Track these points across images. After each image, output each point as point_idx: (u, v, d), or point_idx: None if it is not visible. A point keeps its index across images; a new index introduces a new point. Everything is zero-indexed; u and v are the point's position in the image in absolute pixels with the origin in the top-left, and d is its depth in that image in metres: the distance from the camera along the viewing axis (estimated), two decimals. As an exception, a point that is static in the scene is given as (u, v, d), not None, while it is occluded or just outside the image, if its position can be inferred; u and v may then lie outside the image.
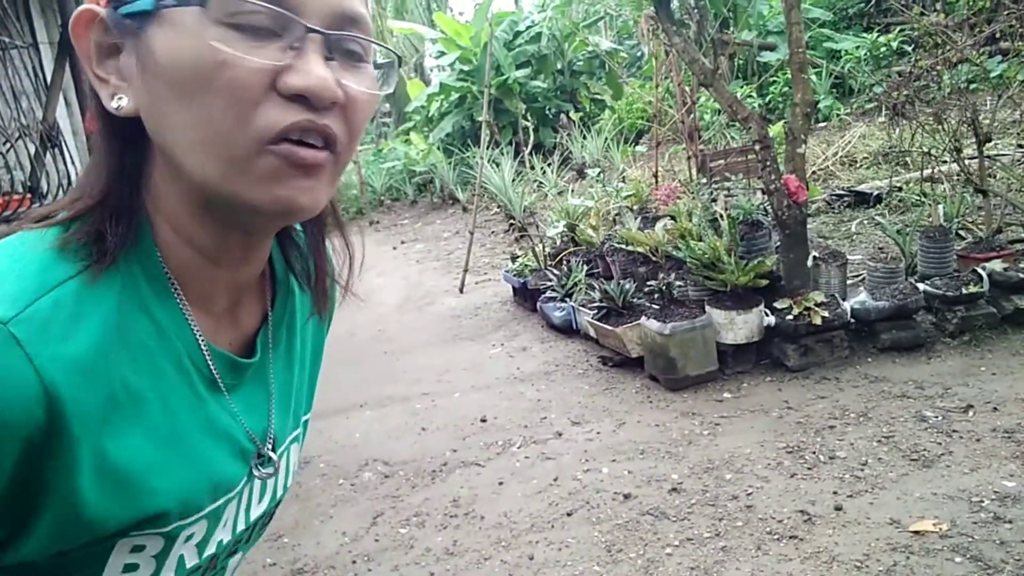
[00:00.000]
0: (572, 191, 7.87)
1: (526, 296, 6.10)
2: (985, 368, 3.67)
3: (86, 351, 0.54)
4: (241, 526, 0.75)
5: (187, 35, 0.53)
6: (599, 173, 8.27)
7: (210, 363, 0.65)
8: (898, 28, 9.60)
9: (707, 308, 4.11)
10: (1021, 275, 4.01)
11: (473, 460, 3.57)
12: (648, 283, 4.73)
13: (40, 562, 0.57)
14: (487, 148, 8.35)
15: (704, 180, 5.44)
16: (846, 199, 6.89)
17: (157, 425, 0.59)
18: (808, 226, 4.34)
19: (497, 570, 2.65)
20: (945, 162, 5.55)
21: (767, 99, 10.36)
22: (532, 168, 9.51)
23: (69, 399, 0.53)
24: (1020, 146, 6.56)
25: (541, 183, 9.11)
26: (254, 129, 0.55)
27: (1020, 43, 4.81)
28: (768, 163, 4.07)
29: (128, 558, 0.60)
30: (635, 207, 6.07)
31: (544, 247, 6.36)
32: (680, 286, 4.45)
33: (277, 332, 0.76)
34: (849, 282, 4.51)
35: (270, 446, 0.75)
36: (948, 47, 4.63)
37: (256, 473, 0.74)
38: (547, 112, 13.13)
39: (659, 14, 4.45)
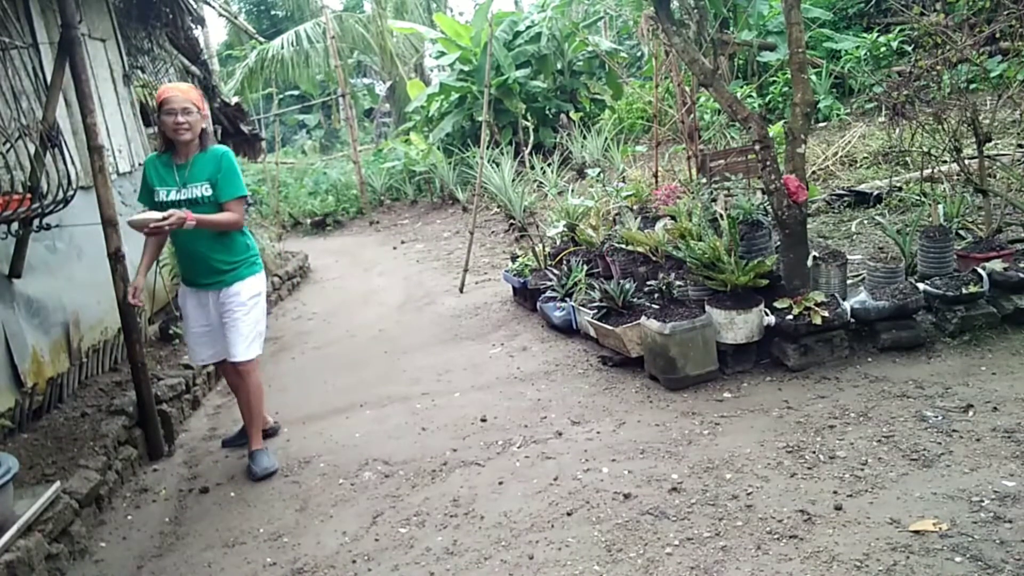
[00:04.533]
0: (572, 191, 7.87)
1: (526, 296, 6.10)
2: (985, 368, 3.67)
3: (150, 160, 3.71)
4: (175, 197, 3.62)
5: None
6: (599, 173, 8.27)
7: (174, 163, 3.67)
8: (898, 28, 9.60)
9: (707, 308, 4.11)
10: (1021, 275, 4.01)
11: (473, 460, 3.57)
12: (648, 283, 4.73)
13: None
14: (487, 148, 8.35)
15: (704, 180, 5.44)
16: (846, 199, 6.89)
17: (159, 169, 3.67)
18: (808, 226, 4.34)
19: (497, 570, 2.65)
20: (945, 162, 5.55)
21: (767, 99, 10.36)
22: (532, 168, 9.51)
23: (148, 164, 3.71)
24: (1020, 146, 6.56)
25: (541, 183, 9.11)
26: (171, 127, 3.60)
27: (1020, 43, 4.80)
28: (768, 163, 4.07)
29: (156, 195, 3.66)
30: (635, 207, 6.07)
31: (544, 247, 6.36)
32: (680, 286, 4.45)
33: (193, 160, 3.66)
34: (849, 282, 4.51)
35: (183, 182, 3.63)
36: (948, 47, 4.63)
37: (179, 185, 3.64)
38: (547, 112, 13.13)
39: (659, 14, 4.45)
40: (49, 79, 4.26)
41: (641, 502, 2.93)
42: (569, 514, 2.93)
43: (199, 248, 3.66)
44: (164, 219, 3.42)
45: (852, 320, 4.04)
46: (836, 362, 3.97)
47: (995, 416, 3.17)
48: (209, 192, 3.60)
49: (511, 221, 9.02)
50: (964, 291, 4.01)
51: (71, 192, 4.04)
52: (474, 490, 3.27)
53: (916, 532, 2.46)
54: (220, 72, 18.78)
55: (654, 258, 4.92)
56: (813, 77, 9.48)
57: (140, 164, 6.54)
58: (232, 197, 3.66)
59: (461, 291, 7.12)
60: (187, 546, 3.18)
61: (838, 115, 9.56)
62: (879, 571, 2.30)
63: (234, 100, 11.33)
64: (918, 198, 5.96)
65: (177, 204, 3.56)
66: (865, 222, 6.27)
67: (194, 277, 3.78)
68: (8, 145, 3.79)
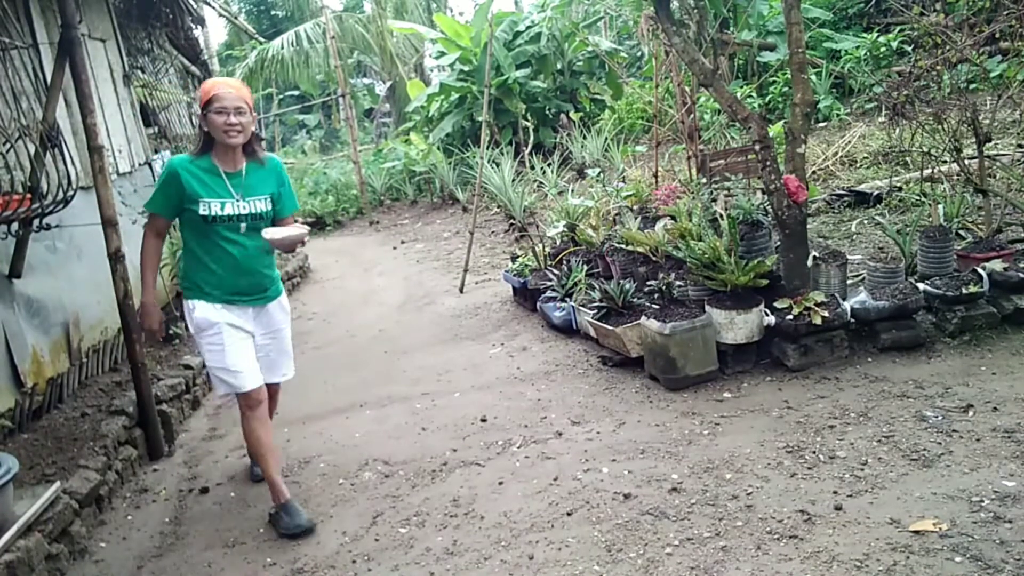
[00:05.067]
0: (572, 191, 7.87)
1: (526, 296, 6.10)
2: (985, 368, 3.67)
3: (183, 165, 3.12)
4: (232, 211, 3.14)
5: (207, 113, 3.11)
6: (599, 173, 8.26)
7: (221, 172, 3.16)
8: (898, 28, 9.60)
9: (707, 308, 4.11)
10: (1021, 275, 4.01)
11: (473, 460, 3.57)
12: (648, 283, 4.73)
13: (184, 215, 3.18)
14: (487, 148, 8.35)
15: (704, 180, 5.44)
16: (846, 199, 6.89)
17: (201, 177, 3.12)
18: (808, 226, 4.34)
19: (497, 570, 2.65)
20: (945, 162, 5.55)
21: (767, 99, 10.36)
22: (532, 168, 9.51)
23: (180, 169, 3.10)
24: (1020, 146, 6.56)
25: (541, 183, 9.11)
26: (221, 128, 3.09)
27: (1020, 43, 4.80)
28: (768, 163, 4.07)
29: (202, 207, 3.09)
30: (635, 207, 6.07)
31: (544, 247, 6.36)
32: (680, 286, 4.45)
33: (247, 169, 3.22)
34: (849, 282, 4.51)
35: (241, 194, 3.16)
36: (948, 47, 4.63)
37: (235, 196, 3.15)
38: (547, 112, 13.12)
39: (659, 14, 4.45)
40: (49, 79, 4.26)
41: (641, 502, 2.93)
42: (569, 514, 2.93)
43: (255, 265, 3.24)
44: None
45: (852, 320, 4.04)
46: (836, 362, 3.97)
47: (995, 416, 3.17)
48: (270, 207, 3.22)
49: (511, 221, 9.02)
50: (964, 291, 4.01)
51: (71, 192, 4.04)
52: (474, 490, 3.27)
53: (916, 532, 2.46)
54: (220, 72, 18.78)
55: (654, 258, 4.92)
56: (813, 77, 9.48)
57: (140, 164, 6.54)
58: (292, 212, 3.38)
59: (461, 291, 7.12)
60: (187, 546, 3.18)
61: (838, 115, 9.56)
62: (879, 571, 2.30)
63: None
64: (918, 198, 5.96)
65: (236, 219, 3.13)
66: (865, 222, 6.27)
67: (238, 294, 3.23)
68: (8, 145, 3.79)
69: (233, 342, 3.19)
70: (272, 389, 3.50)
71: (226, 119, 3.04)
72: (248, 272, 3.23)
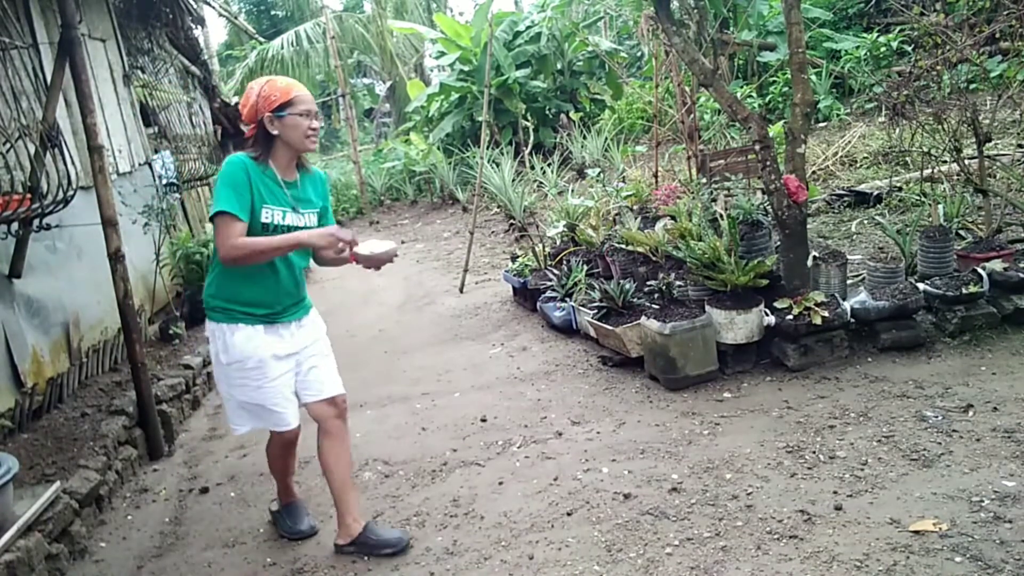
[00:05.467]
0: (572, 191, 7.87)
1: (526, 296, 6.10)
2: (985, 368, 3.67)
3: (251, 167, 2.73)
4: (292, 223, 2.80)
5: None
6: (599, 173, 8.27)
7: (279, 179, 2.80)
8: (898, 28, 9.60)
9: (707, 308, 4.11)
10: (1021, 275, 4.01)
11: (473, 460, 3.57)
12: (648, 283, 4.73)
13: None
14: (487, 148, 8.35)
15: (704, 180, 5.44)
16: (846, 199, 6.89)
17: (267, 183, 2.76)
18: (808, 226, 4.34)
19: (497, 570, 2.65)
20: (945, 162, 5.55)
21: (767, 99, 10.36)
22: (532, 168, 9.51)
23: (251, 170, 2.71)
24: (1020, 146, 6.56)
25: (541, 183, 9.11)
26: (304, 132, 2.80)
27: (1020, 43, 4.80)
28: (768, 163, 4.07)
29: (264, 214, 2.73)
30: (635, 207, 6.07)
31: (544, 247, 6.36)
32: (680, 286, 4.45)
33: (300, 179, 2.90)
34: (849, 282, 4.51)
35: (296, 204, 2.83)
36: (948, 47, 4.63)
37: (294, 206, 2.82)
38: (547, 112, 13.13)
39: (659, 14, 4.45)
40: (49, 79, 4.26)
41: (641, 502, 2.93)
42: (569, 514, 2.93)
43: (299, 277, 2.95)
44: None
45: (852, 320, 4.04)
46: (836, 362, 3.97)
47: (995, 416, 3.17)
48: (315, 223, 2.90)
49: (511, 221, 9.02)
50: (964, 291, 4.00)
51: (71, 192, 4.04)
52: (474, 490, 3.27)
53: (916, 532, 2.46)
54: (220, 72, 18.78)
55: (654, 258, 4.92)
56: (813, 77, 9.48)
57: (140, 164, 6.54)
58: (330, 224, 2.99)
59: (461, 291, 7.12)
60: (187, 546, 3.18)
61: (838, 115, 9.56)
62: (879, 571, 2.30)
63: (234, 100, 11.34)
64: (918, 198, 5.96)
65: (287, 229, 2.78)
66: (865, 222, 6.27)
67: (279, 313, 2.87)
68: (8, 145, 3.79)
69: (276, 377, 2.82)
70: (340, 404, 3.00)
71: (310, 123, 2.76)
72: (289, 292, 2.89)
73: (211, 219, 2.69)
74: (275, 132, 2.72)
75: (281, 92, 2.72)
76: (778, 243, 4.35)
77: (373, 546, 2.88)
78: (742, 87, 10.22)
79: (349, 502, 2.94)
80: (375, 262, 2.76)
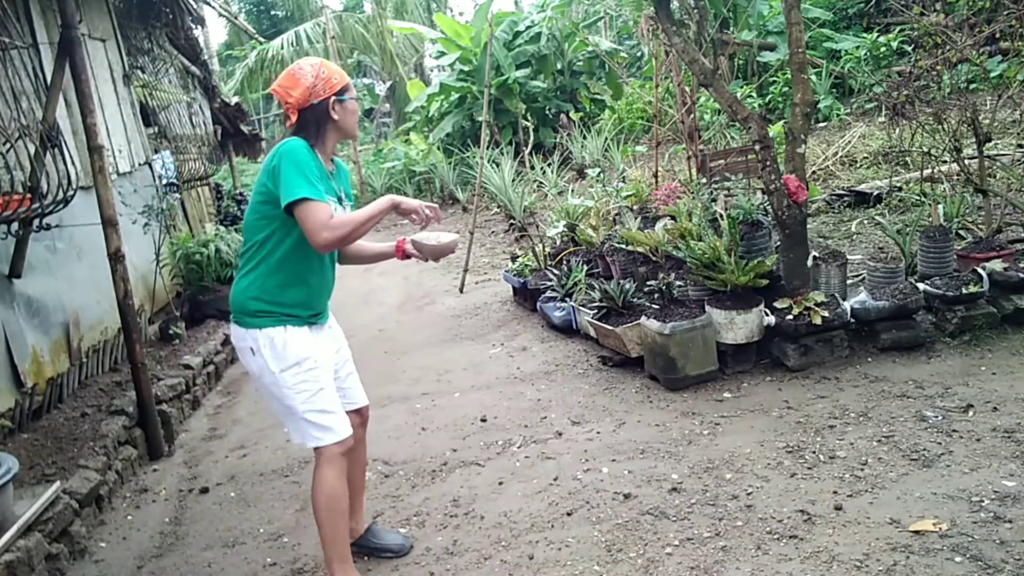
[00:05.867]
0: (572, 191, 7.87)
1: (526, 296, 6.10)
2: (985, 368, 3.67)
3: (313, 155, 2.47)
4: (340, 214, 2.49)
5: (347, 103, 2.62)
6: (599, 173, 8.27)
7: (324, 169, 2.54)
8: (898, 28, 9.60)
9: (707, 308, 4.11)
10: (1021, 275, 4.01)
11: (473, 460, 3.57)
12: (648, 283, 4.73)
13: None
14: (487, 148, 8.35)
15: (704, 180, 5.44)
16: (846, 199, 6.89)
17: (323, 172, 2.50)
18: (808, 226, 4.34)
19: (497, 570, 2.65)
20: (945, 162, 5.55)
21: (767, 99, 10.36)
22: (532, 168, 9.51)
23: (314, 159, 2.48)
24: (1020, 146, 6.56)
25: (541, 183, 9.11)
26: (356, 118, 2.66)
27: (1020, 43, 4.80)
28: (768, 163, 4.07)
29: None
30: (635, 207, 6.07)
31: (544, 247, 6.36)
32: (680, 286, 4.45)
33: (334, 170, 2.64)
34: (849, 282, 4.51)
35: (341, 191, 2.61)
36: (948, 47, 4.63)
37: (339, 196, 2.58)
38: (547, 112, 13.13)
39: (659, 14, 4.45)
40: (49, 79, 4.26)
41: (641, 502, 2.93)
42: (569, 514, 2.93)
43: (334, 277, 2.77)
44: None
45: (852, 320, 4.04)
46: (836, 362, 3.97)
47: (995, 416, 3.17)
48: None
49: (511, 221, 9.02)
50: (964, 291, 4.00)
51: (71, 192, 4.04)
52: (474, 490, 3.27)
53: (916, 532, 2.46)
54: (220, 72, 18.80)
55: (654, 258, 4.92)
56: (813, 77, 9.48)
57: (140, 164, 6.54)
58: None
59: (461, 291, 7.12)
60: (187, 546, 3.18)
61: (838, 115, 9.56)
62: (879, 571, 2.30)
63: (234, 100, 11.34)
64: (918, 198, 5.96)
65: None
66: (865, 222, 6.27)
67: (319, 310, 2.69)
68: (8, 145, 3.79)
69: (328, 377, 2.61)
70: (365, 413, 2.90)
71: (357, 110, 2.62)
72: (328, 291, 2.73)
73: (287, 208, 2.36)
74: (335, 117, 2.53)
75: (339, 75, 2.55)
76: (778, 243, 4.35)
77: (374, 548, 2.87)
78: (742, 87, 10.22)
79: (355, 506, 2.84)
80: (433, 252, 2.60)
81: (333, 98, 2.51)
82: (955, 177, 5.76)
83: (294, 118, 2.52)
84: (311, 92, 2.49)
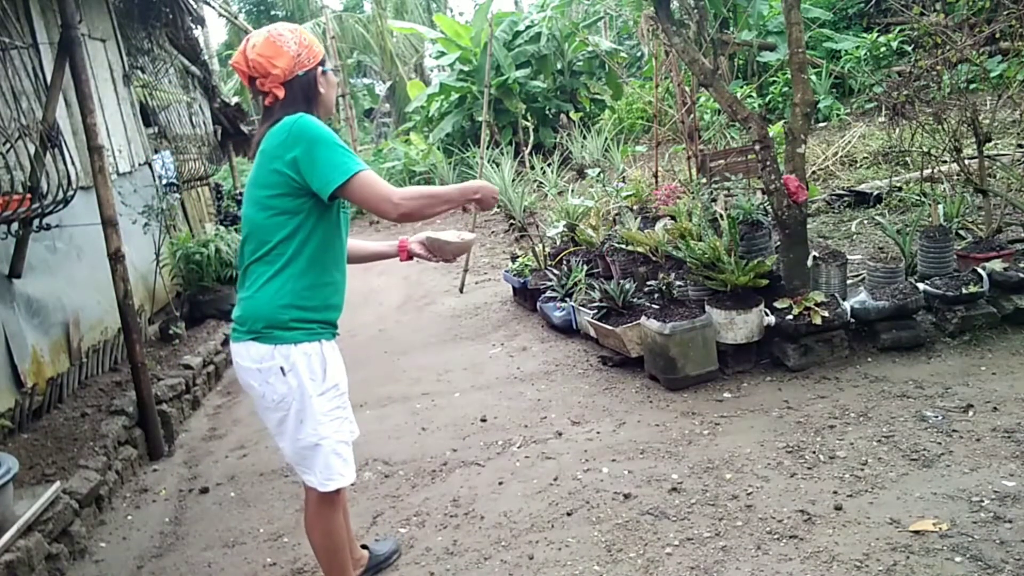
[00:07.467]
0: (572, 191, 7.87)
1: (526, 296, 6.10)
2: (985, 368, 3.67)
3: (315, 121, 2.13)
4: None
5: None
6: (599, 173, 8.27)
7: None
8: (898, 28, 9.60)
9: (707, 308, 4.11)
10: (1021, 275, 4.01)
11: (473, 460, 3.57)
12: (648, 283, 4.73)
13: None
14: (487, 148, 8.35)
15: (704, 180, 5.44)
16: (846, 199, 6.89)
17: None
18: (808, 226, 4.34)
19: (497, 570, 2.65)
20: (945, 162, 5.55)
21: (767, 99, 10.36)
22: (532, 168, 9.52)
23: None
24: (1020, 146, 6.56)
25: (541, 183, 9.11)
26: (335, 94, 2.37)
27: (1020, 43, 4.80)
28: (768, 163, 4.07)
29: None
30: (635, 207, 6.07)
31: (544, 247, 6.36)
32: (680, 286, 4.45)
33: None
34: (849, 282, 4.51)
35: None
36: (948, 47, 4.63)
37: None
38: (547, 112, 13.13)
39: (659, 14, 4.45)
40: (49, 79, 4.26)
41: (641, 502, 2.93)
42: (569, 514, 2.93)
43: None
44: None
45: (852, 320, 4.04)
46: (836, 362, 3.97)
47: (995, 416, 3.17)
48: None
49: (511, 221, 9.02)
50: (964, 291, 4.01)
51: (71, 192, 4.04)
52: (474, 490, 3.27)
53: (916, 532, 2.46)
54: (220, 72, 18.77)
55: (654, 258, 4.92)
56: (813, 77, 9.49)
57: (140, 164, 6.54)
58: None
59: (461, 291, 7.12)
60: (187, 546, 3.18)
61: (838, 115, 9.56)
62: (879, 571, 2.30)
63: (234, 100, 11.35)
64: (918, 198, 5.96)
65: (345, 211, 2.34)
66: (865, 222, 6.27)
67: (342, 308, 2.38)
68: (8, 145, 3.79)
69: (344, 386, 2.32)
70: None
71: (335, 83, 2.34)
72: (346, 281, 2.39)
73: (342, 186, 2.04)
74: (322, 90, 2.23)
75: (319, 44, 2.26)
76: (778, 243, 4.35)
77: (378, 565, 2.77)
78: (742, 87, 10.22)
79: (351, 536, 2.65)
80: (460, 250, 2.45)
81: (319, 68, 2.22)
82: (955, 177, 5.76)
83: (281, 93, 2.16)
84: (296, 62, 2.16)
